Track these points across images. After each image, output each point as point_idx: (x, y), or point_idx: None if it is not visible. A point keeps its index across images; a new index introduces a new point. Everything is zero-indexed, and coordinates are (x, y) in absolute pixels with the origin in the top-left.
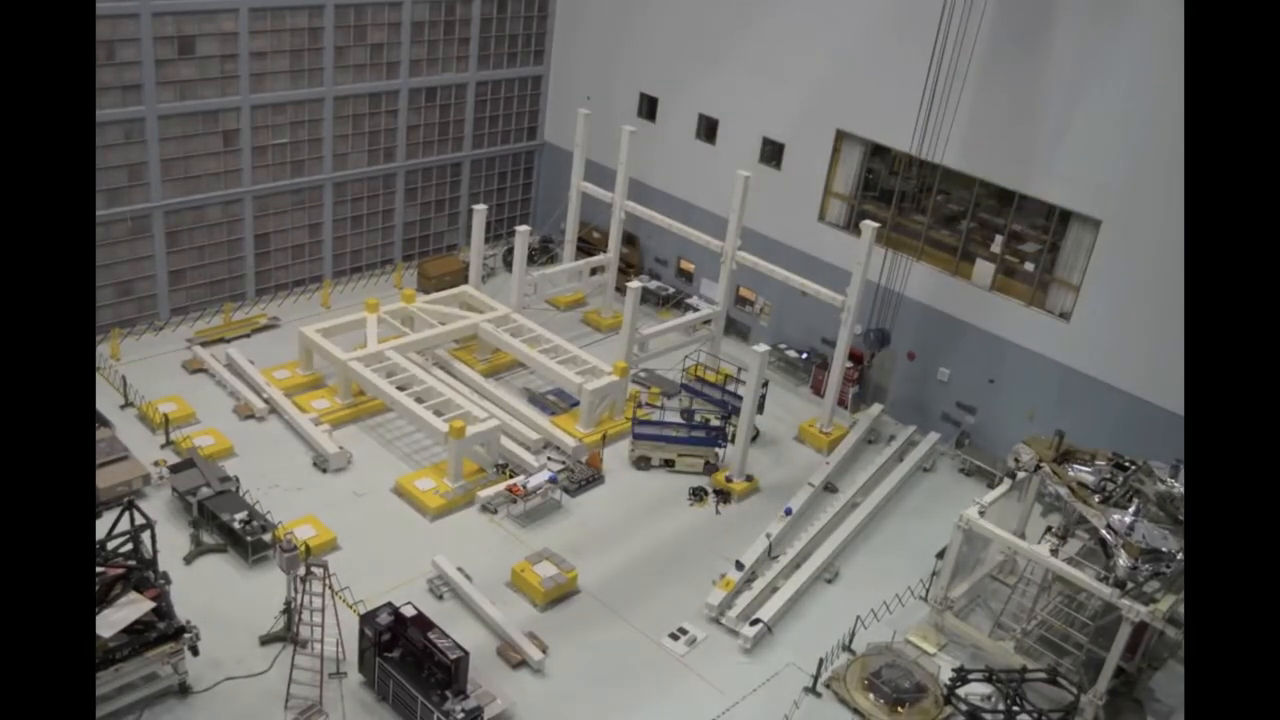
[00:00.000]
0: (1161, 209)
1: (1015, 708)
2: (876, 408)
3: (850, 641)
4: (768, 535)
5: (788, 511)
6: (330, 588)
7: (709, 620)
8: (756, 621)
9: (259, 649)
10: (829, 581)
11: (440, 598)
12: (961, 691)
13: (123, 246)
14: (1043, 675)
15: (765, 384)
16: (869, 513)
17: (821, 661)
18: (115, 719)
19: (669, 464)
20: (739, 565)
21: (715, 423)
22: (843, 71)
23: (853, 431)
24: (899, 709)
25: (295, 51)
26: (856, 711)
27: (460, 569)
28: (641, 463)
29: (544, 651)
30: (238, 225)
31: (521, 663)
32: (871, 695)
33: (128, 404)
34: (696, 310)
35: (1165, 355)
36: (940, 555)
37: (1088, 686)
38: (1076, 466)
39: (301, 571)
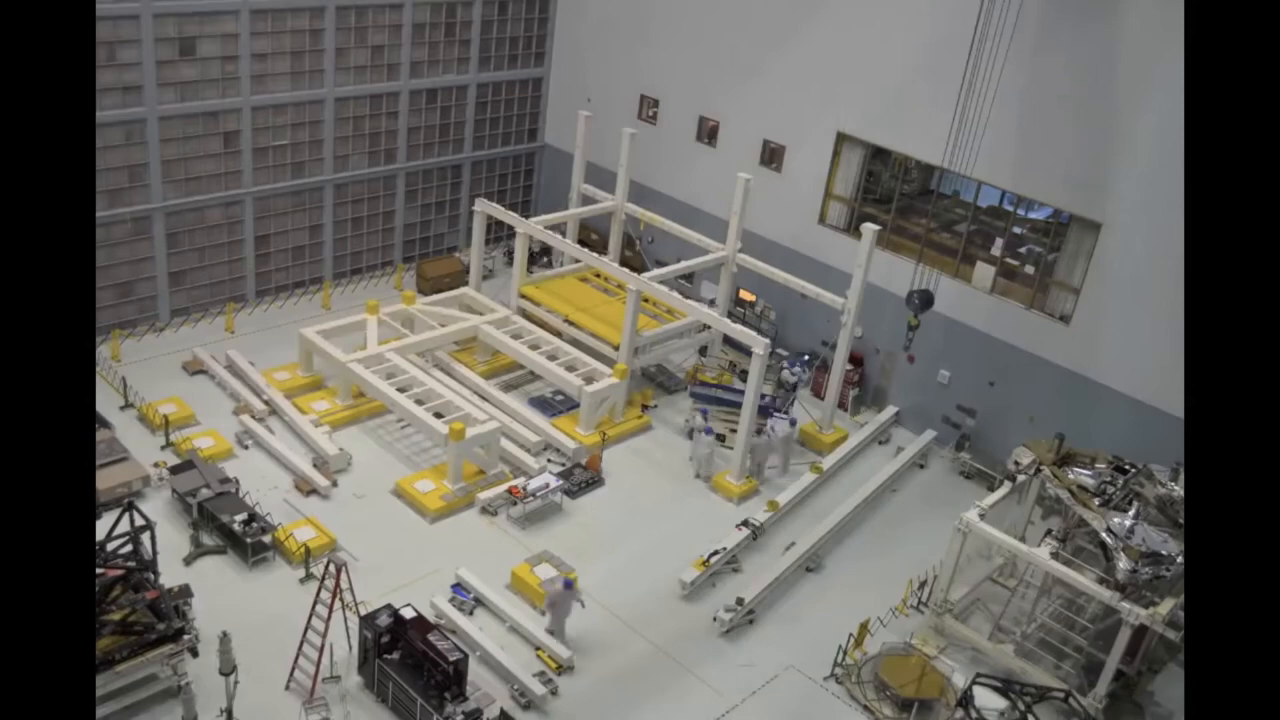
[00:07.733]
0: (1162, 211)
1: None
2: (890, 410)
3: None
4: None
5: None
6: (340, 587)
7: (681, 599)
8: (740, 602)
9: (259, 649)
10: (810, 570)
11: (471, 613)
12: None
13: (123, 247)
14: (1060, 695)
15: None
16: (854, 507)
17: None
18: None
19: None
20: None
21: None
22: (843, 73)
23: (859, 434)
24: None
25: (296, 53)
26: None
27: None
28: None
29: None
30: (238, 226)
31: None
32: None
33: (128, 405)
34: None
35: (1165, 358)
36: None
37: (1087, 690)
38: (1076, 469)
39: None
